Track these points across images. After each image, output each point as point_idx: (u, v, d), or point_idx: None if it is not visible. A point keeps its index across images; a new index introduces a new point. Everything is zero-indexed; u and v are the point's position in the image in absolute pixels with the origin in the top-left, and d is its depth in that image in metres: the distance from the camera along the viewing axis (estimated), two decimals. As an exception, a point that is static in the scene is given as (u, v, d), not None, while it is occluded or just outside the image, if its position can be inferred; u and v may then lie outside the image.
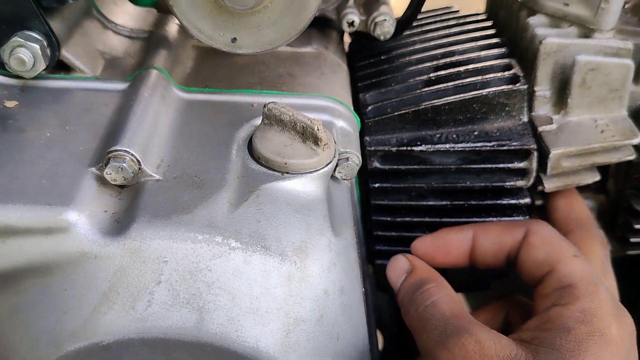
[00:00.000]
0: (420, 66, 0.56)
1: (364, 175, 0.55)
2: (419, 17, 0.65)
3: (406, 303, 0.47)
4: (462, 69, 0.55)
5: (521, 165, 0.52)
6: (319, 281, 0.41)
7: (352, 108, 0.52)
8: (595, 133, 0.53)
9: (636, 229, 0.57)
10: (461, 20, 0.63)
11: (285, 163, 0.42)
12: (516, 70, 0.54)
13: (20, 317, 0.39)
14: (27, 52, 0.45)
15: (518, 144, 0.52)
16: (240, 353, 0.38)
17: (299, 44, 0.57)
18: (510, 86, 0.52)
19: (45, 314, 0.39)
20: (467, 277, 0.57)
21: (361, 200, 0.56)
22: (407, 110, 0.53)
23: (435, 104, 0.52)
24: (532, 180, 0.53)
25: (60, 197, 0.39)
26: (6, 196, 0.38)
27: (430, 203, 0.55)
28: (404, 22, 0.56)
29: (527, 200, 0.54)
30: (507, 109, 0.53)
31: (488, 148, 0.52)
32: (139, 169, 0.41)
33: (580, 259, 0.46)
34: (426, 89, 0.54)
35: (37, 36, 0.46)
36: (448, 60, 0.56)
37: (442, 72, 0.55)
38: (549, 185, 0.53)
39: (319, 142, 0.42)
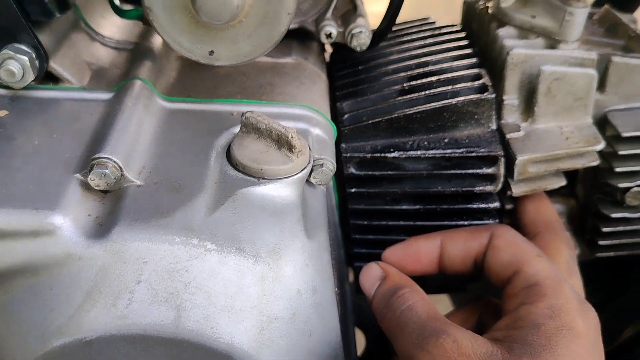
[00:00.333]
0: (395, 76, 0.58)
1: (342, 181, 0.56)
2: (397, 28, 0.67)
3: (382, 309, 0.47)
4: (434, 78, 0.56)
5: (489, 170, 0.54)
6: (291, 281, 0.42)
7: (329, 116, 0.54)
8: (560, 140, 0.54)
9: (604, 232, 0.58)
10: (436, 32, 0.64)
11: (261, 169, 0.43)
12: (485, 80, 0.55)
13: (9, 315, 0.41)
14: (16, 64, 0.46)
15: (485, 150, 0.53)
16: (215, 349, 0.39)
17: (279, 55, 0.58)
18: (478, 95, 0.54)
19: (33, 312, 0.40)
20: (442, 280, 0.58)
21: (339, 205, 0.58)
22: (382, 119, 0.54)
23: (408, 112, 0.54)
24: (500, 185, 0.54)
25: (46, 201, 0.40)
26: (-5, 201, 0.40)
27: (405, 207, 0.56)
28: (380, 34, 0.58)
29: (497, 204, 0.55)
30: (476, 117, 0.54)
31: (457, 155, 0.53)
32: (121, 175, 0.42)
33: (544, 259, 0.47)
34: (400, 98, 0.55)
35: (26, 49, 0.47)
36: (422, 70, 0.57)
37: (415, 82, 0.56)
38: (517, 190, 0.55)
39: (293, 149, 0.43)
